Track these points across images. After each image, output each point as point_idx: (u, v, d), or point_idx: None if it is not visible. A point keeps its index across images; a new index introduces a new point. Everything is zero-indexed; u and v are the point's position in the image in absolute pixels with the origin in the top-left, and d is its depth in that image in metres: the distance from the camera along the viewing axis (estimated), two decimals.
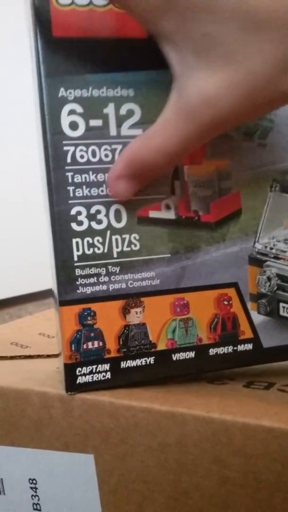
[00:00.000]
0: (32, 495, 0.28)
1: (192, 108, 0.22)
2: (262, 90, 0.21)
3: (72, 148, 0.25)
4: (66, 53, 0.25)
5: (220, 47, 0.20)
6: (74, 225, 0.25)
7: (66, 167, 0.25)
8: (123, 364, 0.26)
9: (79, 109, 0.25)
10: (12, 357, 0.35)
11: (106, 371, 0.26)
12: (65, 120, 0.25)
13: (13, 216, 1.44)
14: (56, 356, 0.34)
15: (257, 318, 0.28)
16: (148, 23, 0.22)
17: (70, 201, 0.25)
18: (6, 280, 1.45)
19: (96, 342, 0.26)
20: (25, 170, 1.42)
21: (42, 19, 0.24)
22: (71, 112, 0.25)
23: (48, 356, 0.34)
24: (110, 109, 0.25)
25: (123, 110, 0.26)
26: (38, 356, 0.35)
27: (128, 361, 0.26)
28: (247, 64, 0.20)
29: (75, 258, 0.26)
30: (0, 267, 1.44)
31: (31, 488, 0.28)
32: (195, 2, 0.20)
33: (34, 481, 0.27)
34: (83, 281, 0.26)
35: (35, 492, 0.28)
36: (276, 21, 0.20)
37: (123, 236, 0.26)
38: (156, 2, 0.20)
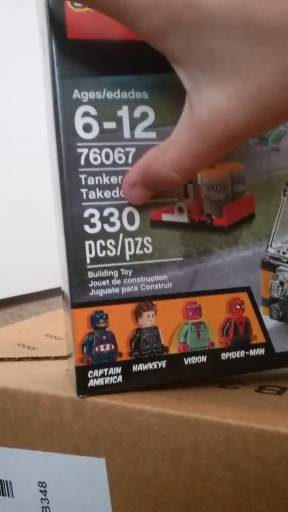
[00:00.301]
0: (42, 499, 0.28)
1: (203, 125, 0.22)
2: (274, 103, 0.21)
3: (85, 151, 0.25)
4: (81, 55, 0.25)
5: (226, 63, 0.20)
6: (87, 228, 0.25)
7: (80, 169, 0.25)
8: (135, 368, 0.26)
9: (93, 111, 0.25)
10: (20, 359, 0.35)
11: (117, 375, 0.26)
12: (79, 122, 0.25)
13: (14, 216, 1.44)
14: (64, 358, 0.34)
15: (270, 322, 0.28)
16: (155, 43, 0.22)
17: (83, 204, 0.25)
18: (7, 279, 1.44)
19: (108, 345, 0.26)
20: (27, 171, 1.42)
21: (57, 21, 0.24)
22: (85, 114, 0.25)
23: (56, 358, 0.34)
24: (124, 112, 0.25)
25: (137, 113, 0.25)
26: (46, 358, 0.35)
27: (140, 365, 0.26)
28: (256, 78, 0.20)
29: (88, 261, 0.25)
30: (1, 267, 1.43)
31: (41, 491, 0.27)
32: (197, 21, 0.20)
33: (43, 484, 0.27)
34: (95, 283, 0.26)
35: (45, 495, 0.27)
36: (281, 32, 0.19)
37: (136, 239, 0.26)
38: (159, 23, 0.21)
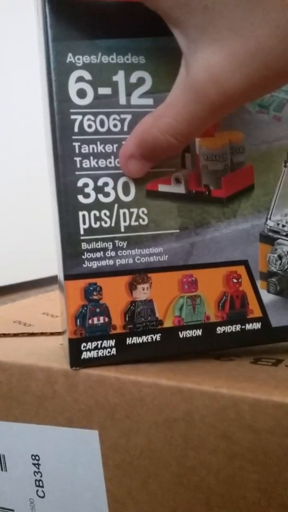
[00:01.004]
0: (35, 472, 0.27)
1: (199, 86, 0.21)
2: (271, 64, 0.20)
3: (79, 117, 0.24)
4: (75, 17, 0.24)
5: (222, 20, 0.20)
6: (80, 198, 0.25)
7: (73, 137, 0.24)
8: (128, 341, 0.26)
9: (87, 76, 0.24)
10: (15, 335, 0.34)
11: (111, 347, 0.26)
12: (72, 88, 0.24)
13: (15, 204, 1.44)
14: (59, 334, 0.33)
15: (267, 297, 0.27)
16: (151, 2, 0.21)
17: (76, 173, 0.25)
18: (9, 266, 1.44)
19: (101, 318, 0.25)
20: (28, 157, 1.41)
21: None
22: (79, 79, 0.24)
23: (52, 333, 0.34)
24: (119, 77, 0.25)
25: (133, 78, 0.25)
26: (42, 334, 0.34)
27: (134, 338, 0.26)
28: (252, 37, 0.19)
29: (81, 232, 0.25)
30: (3, 253, 1.43)
31: (34, 464, 0.27)
32: None
33: (36, 457, 0.27)
34: (89, 255, 0.25)
35: (38, 468, 0.27)
36: None
37: (131, 210, 0.25)
38: None
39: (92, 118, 0.25)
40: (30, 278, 1.50)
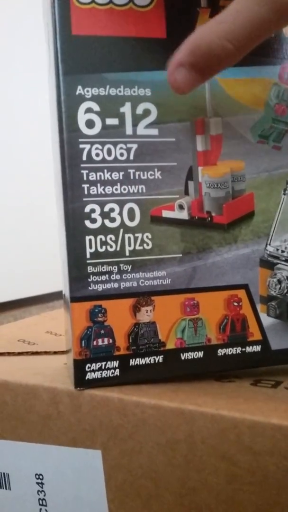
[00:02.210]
0: (38, 491, 0.28)
1: None
2: None
3: (88, 146, 0.25)
4: (85, 51, 0.25)
5: None
6: (87, 223, 0.26)
7: (82, 165, 0.25)
8: (132, 362, 0.26)
9: (96, 107, 0.25)
10: (19, 353, 0.35)
11: (115, 368, 0.26)
12: (81, 118, 0.25)
13: (18, 220, 1.45)
14: (63, 353, 0.34)
15: (266, 320, 0.28)
16: None
17: (84, 199, 0.26)
18: (11, 282, 1.45)
19: (106, 339, 0.26)
20: (31, 175, 1.43)
21: (62, 17, 0.25)
22: (88, 110, 0.25)
23: (55, 352, 0.35)
24: (126, 108, 0.26)
25: (139, 110, 0.26)
26: (45, 353, 0.35)
27: (137, 359, 0.26)
28: None
29: (88, 256, 0.26)
30: (5, 269, 1.44)
31: (38, 483, 0.28)
32: None
33: (40, 477, 0.28)
34: (95, 278, 0.26)
35: (41, 487, 0.28)
36: None
37: (136, 235, 0.26)
38: None
39: (100, 147, 0.26)
40: (31, 294, 1.50)
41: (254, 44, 0.22)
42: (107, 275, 0.26)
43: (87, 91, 0.25)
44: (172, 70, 0.23)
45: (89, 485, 0.26)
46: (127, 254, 0.26)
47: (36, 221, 1.46)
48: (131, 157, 0.26)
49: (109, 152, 0.26)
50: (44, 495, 0.28)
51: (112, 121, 0.26)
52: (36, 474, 0.28)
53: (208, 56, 0.22)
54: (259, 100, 0.27)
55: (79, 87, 0.25)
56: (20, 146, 1.42)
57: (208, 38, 0.22)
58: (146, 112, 0.26)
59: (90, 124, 0.25)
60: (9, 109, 1.40)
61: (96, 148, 0.26)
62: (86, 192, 0.26)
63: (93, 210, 0.26)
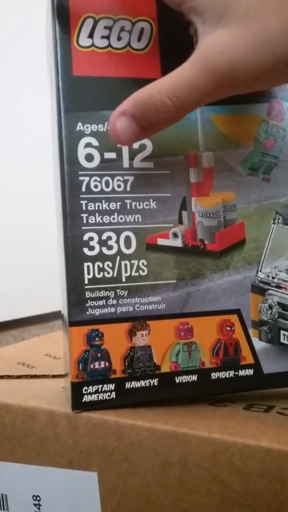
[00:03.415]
0: None
1: (207, 56, 0.23)
2: (277, 48, 0.22)
3: (87, 178, 0.27)
4: (85, 90, 0.27)
5: (239, 7, 0.23)
6: (86, 250, 0.27)
7: (81, 196, 0.27)
8: (127, 385, 0.27)
9: (95, 142, 0.27)
10: (18, 376, 0.36)
11: (111, 391, 0.27)
12: (81, 152, 0.27)
13: (18, 239, 1.46)
14: (61, 376, 0.35)
15: (258, 344, 0.29)
16: (179, 5, 0.24)
17: (83, 227, 0.27)
18: (10, 302, 1.45)
19: (102, 362, 0.27)
20: (32, 195, 1.45)
21: (64, 59, 0.27)
22: (88, 145, 0.27)
23: (54, 376, 0.35)
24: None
25: (135, 144, 0.27)
26: (44, 376, 0.36)
27: (133, 382, 0.27)
28: (263, 19, 0.22)
29: (86, 281, 0.27)
30: (5, 289, 1.45)
31: (35, 504, 0.28)
32: None
33: (38, 498, 0.28)
34: (92, 303, 0.27)
35: (39, 509, 0.28)
36: None
37: (132, 261, 0.27)
38: None
39: (98, 179, 0.27)
40: (31, 313, 1.51)
41: (194, 106, 0.24)
42: (104, 300, 0.27)
43: (87, 127, 0.27)
44: (114, 118, 0.24)
45: (85, 506, 0.27)
46: (124, 280, 0.27)
47: (36, 241, 1.48)
48: (128, 188, 0.27)
49: (107, 183, 0.27)
50: None
51: (110, 155, 0.27)
52: (33, 496, 0.28)
53: (147, 108, 0.23)
54: (249, 135, 0.29)
55: (79, 124, 0.27)
56: (24, 166, 1.45)
57: (149, 92, 0.23)
58: (142, 147, 0.27)
59: (89, 157, 0.27)
60: (11, 130, 1.43)
61: (95, 180, 0.27)
62: (85, 221, 0.27)
63: (91, 238, 0.27)
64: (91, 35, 0.27)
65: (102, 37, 0.27)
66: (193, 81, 0.23)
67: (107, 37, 0.27)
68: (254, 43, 0.22)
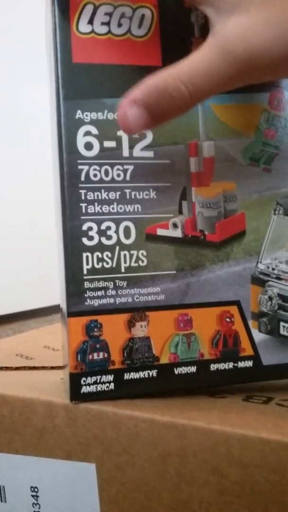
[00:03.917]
0: (33, 503, 0.28)
1: (227, 43, 0.22)
2: None
3: (86, 167, 0.27)
4: (85, 78, 0.26)
5: None
6: (85, 240, 0.27)
7: (80, 185, 0.27)
8: (126, 376, 0.27)
9: (94, 130, 0.27)
10: (17, 368, 0.36)
11: (110, 382, 0.27)
12: (80, 141, 0.26)
13: (18, 233, 1.46)
14: (60, 368, 0.35)
15: (258, 336, 0.29)
16: None
17: (82, 217, 0.27)
18: (9, 295, 1.45)
19: (101, 353, 0.27)
20: (31, 189, 1.44)
21: (63, 45, 0.26)
22: (87, 133, 0.26)
23: (53, 367, 0.35)
24: (123, 132, 0.27)
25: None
26: (43, 368, 0.35)
27: (132, 373, 0.27)
28: (282, 7, 0.21)
29: (85, 272, 0.27)
30: (3, 282, 1.45)
31: (33, 496, 0.28)
32: None
33: (35, 489, 0.28)
34: (91, 293, 0.27)
35: (36, 500, 0.28)
36: None
37: (131, 252, 0.27)
38: None
39: (98, 168, 0.27)
40: (29, 307, 1.51)
41: (210, 94, 0.23)
42: (103, 291, 0.27)
43: (86, 115, 0.26)
44: (124, 106, 0.23)
45: (83, 497, 0.26)
46: (123, 270, 0.27)
47: (35, 235, 1.48)
48: (128, 178, 0.27)
49: (106, 173, 0.27)
50: (39, 508, 0.28)
51: (109, 144, 0.27)
52: (31, 487, 0.28)
53: (161, 98, 0.22)
54: (250, 125, 0.29)
55: (79, 112, 0.26)
56: (24, 157, 1.44)
57: (163, 78, 0.22)
58: (142, 135, 0.27)
59: (88, 146, 0.27)
60: (11, 125, 1.42)
61: (94, 169, 0.27)
62: (84, 211, 0.27)
63: (90, 228, 0.27)
64: (91, 22, 0.26)
65: (102, 23, 0.27)
66: (212, 66, 0.22)
67: (107, 24, 0.27)
68: (273, 32, 0.22)
